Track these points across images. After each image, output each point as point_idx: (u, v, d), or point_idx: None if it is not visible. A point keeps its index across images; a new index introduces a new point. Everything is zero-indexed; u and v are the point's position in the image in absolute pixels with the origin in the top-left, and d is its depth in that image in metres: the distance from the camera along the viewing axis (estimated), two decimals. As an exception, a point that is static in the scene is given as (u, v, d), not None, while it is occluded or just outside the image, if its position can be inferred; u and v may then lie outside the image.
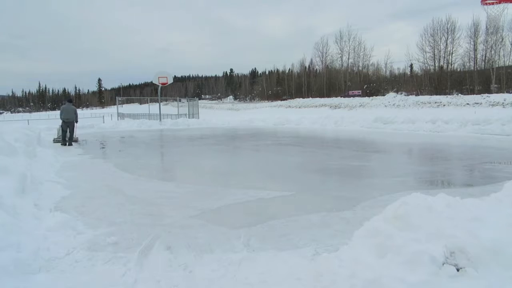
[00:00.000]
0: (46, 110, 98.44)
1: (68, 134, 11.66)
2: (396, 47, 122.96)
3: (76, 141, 12.16)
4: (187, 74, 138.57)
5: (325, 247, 2.84)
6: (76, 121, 11.89)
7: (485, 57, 42.76)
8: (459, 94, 34.18)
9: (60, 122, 11.94)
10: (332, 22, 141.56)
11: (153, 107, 27.15)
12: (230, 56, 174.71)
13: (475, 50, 43.59)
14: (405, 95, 44.31)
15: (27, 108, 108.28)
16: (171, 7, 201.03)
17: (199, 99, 48.88)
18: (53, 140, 12.14)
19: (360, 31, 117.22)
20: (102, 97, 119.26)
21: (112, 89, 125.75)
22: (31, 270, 2.41)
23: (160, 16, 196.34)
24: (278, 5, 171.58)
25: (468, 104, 27.97)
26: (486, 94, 29.69)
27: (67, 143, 11.41)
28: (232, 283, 2.31)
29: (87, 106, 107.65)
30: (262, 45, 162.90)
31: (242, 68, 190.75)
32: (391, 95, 42.88)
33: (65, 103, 12.08)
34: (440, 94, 37.65)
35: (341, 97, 47.98)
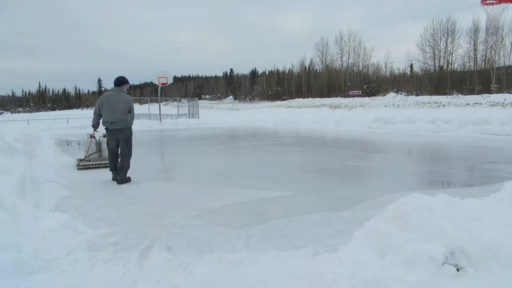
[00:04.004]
0: (46, 110, 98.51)
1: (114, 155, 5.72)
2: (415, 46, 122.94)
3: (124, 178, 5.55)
4: (187, 74, 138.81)
5: (325, 247, 2.84)
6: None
7: (485, 57, 42.83)
8: (459, 94, 34.20)
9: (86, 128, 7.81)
10: (351, 21, 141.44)
11: (153, 107, 27.18)
12: (233, 56, 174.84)
13: (475, 50, 43.66)
14: (405, 95, 44.36)
15: (27, 108, 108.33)
16: (171, 6, 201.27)
17: (199, 99, 48.87)
18: (78, 165, 6.82)
19: (377, 31, 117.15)
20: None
21: (112, 89, 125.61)
22: (31, 270, 2.41)
23: (160, 15, 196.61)
24: (292, 4, 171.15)
25: (468, 104, 28.00)
26: (486, 94, 29.72)
27: (118, 177, 5.51)
28: (232, 283, 2.31)
29: (87, 106, 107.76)
30: (266, 45, 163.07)
31: (242, 68, 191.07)
32: (391, 95, 42.94)
33: (112, 88, 5.64)
34: (440, 94, 37.70)
35: (341, 97, 48.00)
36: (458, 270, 1.88)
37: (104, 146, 6.75)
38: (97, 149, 7.01)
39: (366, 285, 1.91)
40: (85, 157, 6.93)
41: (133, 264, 2.60)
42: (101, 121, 5.62)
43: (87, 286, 2.32)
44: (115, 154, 5.64)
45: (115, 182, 5.52)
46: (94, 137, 6.96)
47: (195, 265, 2.58)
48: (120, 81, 5.61)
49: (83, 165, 6.81)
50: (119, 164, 5.60)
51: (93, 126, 5.80)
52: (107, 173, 5.91)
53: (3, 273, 2.24)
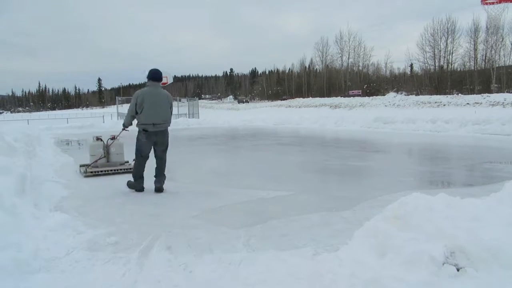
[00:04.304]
0: (46, 110, 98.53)
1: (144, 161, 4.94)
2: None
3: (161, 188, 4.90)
4: (187, 74, 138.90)
5: (325, 247, 2.84)
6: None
7: (485, 56, 42.84)
8: (459, 94, 34.18)
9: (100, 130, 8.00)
10: (351, 21, 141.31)
11: (153, 107, 27.09)
12: (233, 55, 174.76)
13: (475, 49, 43.64)
14: (405, 95, 44.36)
15: (27, 108, 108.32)
16: (171, 6, 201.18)
17: (200, 99, 48.82)
18: (85, 172, 6.02)
19: (377, 32, 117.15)
20: (102, 97, 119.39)
21: (112, 89, 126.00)
22: (31, 270, 2.41)
23: (160, 15, 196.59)
24: (292, 4, 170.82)
25: (468, 104, 27.99)
26: (486, 94, 29.72)
27: (159, 185, 4.84)
28: (232, 283, 2.31)
29: (87, 106, 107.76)
30: (266, 45, 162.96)
31: (242, 68, 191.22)
32: (391, 95, 42.95)
33: (149, 83, 4.83)
34: (440, 94, 37.70)
35: (341, 97, 47.98)
36: (458, 270, 1.88)
37: (113, 150, 6.37)
38: (104, 153, 6.35)
39: (366, 285, 1.91)
40: (92, 162, 6.21)
41: (133, 264, 2.60)
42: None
43: (87, 286, 2.32)
44: (146, 160, 4.90)
45: (132, 190, 4.88)
46: (101, 139, 6.45)
47: (195, 265, 2.58)
48: (160, 76, 4.90)
49: (92, 172, 6.04)
50: (155, 170, 4.89)
51: (124, 125, 5.00)
52: (111, 178, 5.89)
53: (3, 273, 2.24)
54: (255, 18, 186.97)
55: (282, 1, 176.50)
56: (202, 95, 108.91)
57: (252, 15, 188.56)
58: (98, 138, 6.50)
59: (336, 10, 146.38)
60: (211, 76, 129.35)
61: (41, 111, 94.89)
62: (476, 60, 44.03)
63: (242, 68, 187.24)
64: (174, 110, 33.19)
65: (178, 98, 32.66)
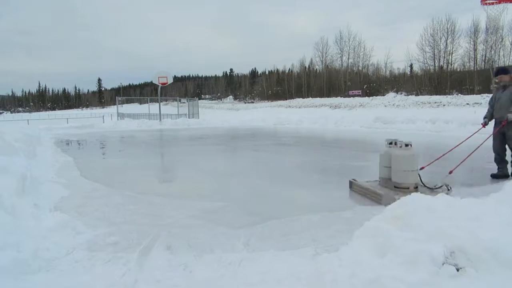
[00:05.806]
0: (46, 110, 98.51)
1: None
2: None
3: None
4: (187, 74, 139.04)
5: (325, 247, 2.84)
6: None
7: (485, 57, 42.79)
8: (459, 94, 34.17)
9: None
10: (354, 22, 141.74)
11: (153, 107, 27.19)
12: (233, 56, 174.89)
13: (475, 50, 43.60)
14: (405, 95, 44.33)
15: (27, 108, 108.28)
16: (172, 6, 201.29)
17: (200, 100, 48.80)
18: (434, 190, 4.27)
19: (380, 32, 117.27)
20: (102, 97, 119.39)
21: (112, 89, 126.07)
22: (31, 270, 2.41)
23: (160, 15, 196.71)
24: (293, 4, 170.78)
25: (468, 104, 27.93)
26: (486, 94, 29.65)
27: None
28: (232, 283, 2.31)
29: (87, 106, 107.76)
30: (266, 45, 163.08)
31: (242, 68, 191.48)
32: (391, 95, 42.89)
33: None
34: (440, 94, 37.65)
35: (341, 97, 47.97)
36: (458, 270, 1.88)
37: None
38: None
39: (366, 285, 1.91)
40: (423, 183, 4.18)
41: (133, 264, 2.60)
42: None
43: (87, 286, 2.31)
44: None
45: None
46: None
47: (195, 265, 2.58)
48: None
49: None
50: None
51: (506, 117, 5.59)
52: (105, 172, 5.87)
53: (3, 273, 2.24)
54: (255, 18, 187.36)
55: (282, 2, 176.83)
56: (202, 95, 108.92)
57: (252, 16, 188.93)
58: (407, 144, 4.20)
59: (336, 11, 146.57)
60: (211, 76, 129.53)
61: (41, 111, 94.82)
62: (476, 60, 44.03)
63: (242, 68, 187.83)
64: (174, 110, 32.87)
65: (178, 98, 32.67)
